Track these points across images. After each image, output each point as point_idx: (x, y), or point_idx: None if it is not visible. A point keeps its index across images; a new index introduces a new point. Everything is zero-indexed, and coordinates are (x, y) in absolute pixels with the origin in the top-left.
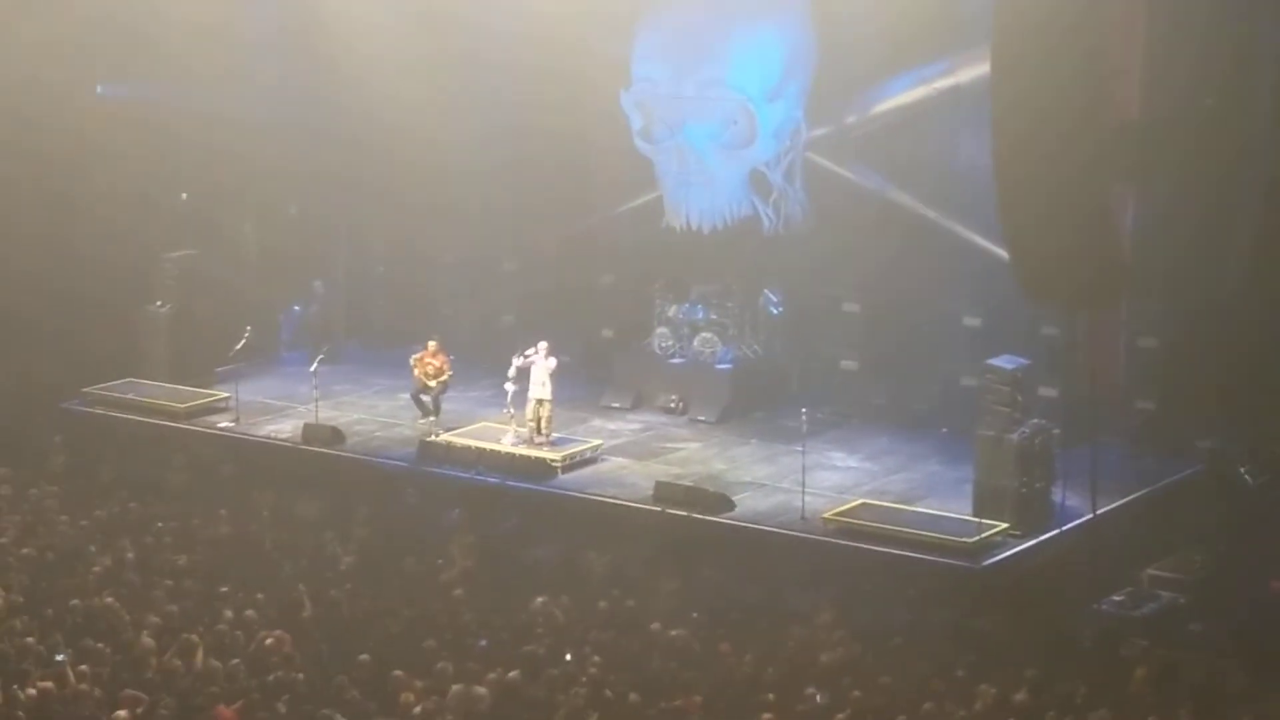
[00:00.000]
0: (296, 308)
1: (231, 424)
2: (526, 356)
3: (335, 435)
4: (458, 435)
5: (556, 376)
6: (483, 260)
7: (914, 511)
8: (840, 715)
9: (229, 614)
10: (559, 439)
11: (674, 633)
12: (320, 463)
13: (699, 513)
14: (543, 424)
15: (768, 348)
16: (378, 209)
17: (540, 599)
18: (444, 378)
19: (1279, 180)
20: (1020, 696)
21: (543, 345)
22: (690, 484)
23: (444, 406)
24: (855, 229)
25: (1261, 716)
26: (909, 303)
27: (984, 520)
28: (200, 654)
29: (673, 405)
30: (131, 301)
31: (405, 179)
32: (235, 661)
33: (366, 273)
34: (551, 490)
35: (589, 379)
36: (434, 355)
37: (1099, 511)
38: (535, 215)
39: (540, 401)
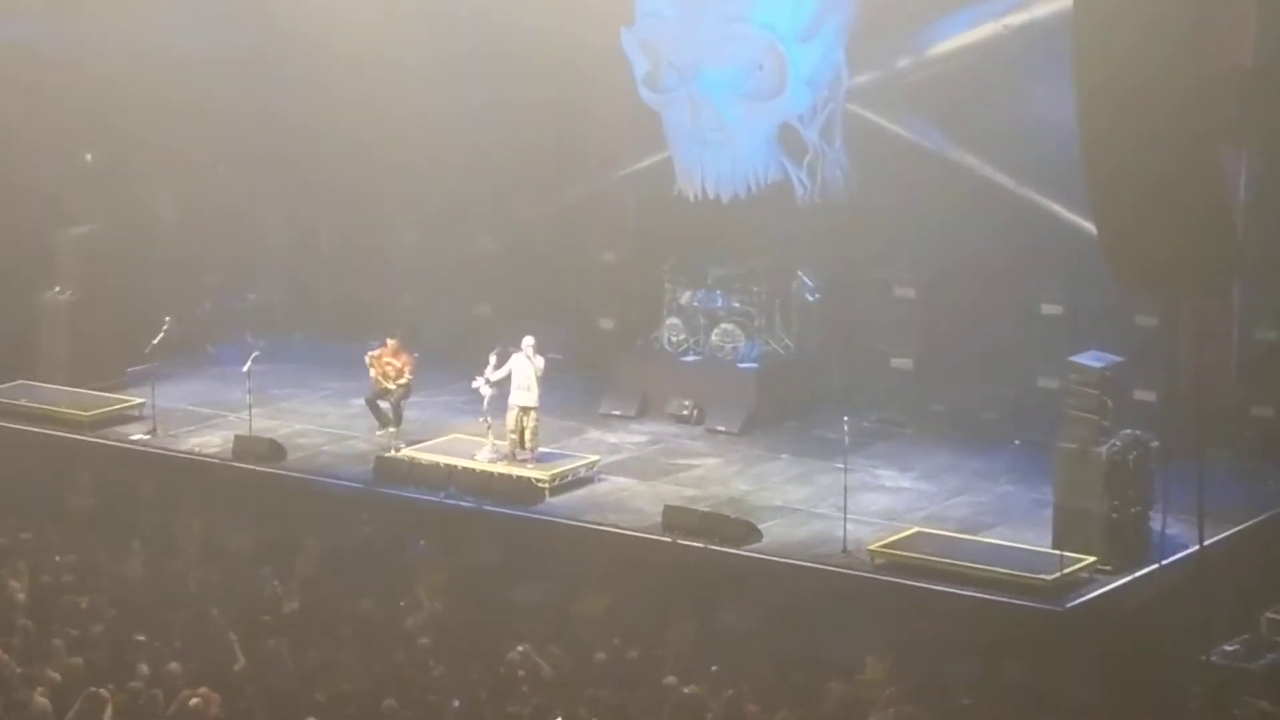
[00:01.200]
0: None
1: (147, 436)
2: (488, 376)
3: (274, 450)
4: (423, 450)
5: (545, 379)
6: (455, 236)
7: (981, 542)
8: None
9: (144, 668)
10: (547, 454)
11: (688, 690)
12: (256, 484)
13: (718, 544)
14: (527, 436)
15: (802, 342)
16: (328, 172)
17: (524, 648)
18: (406, 380)
19: None
20: None
21: (528, 341)
22: (707, 509)
23: (407, 415)
24: (909, 197)
25: None
26: (975, 287)
27: (1066, 553)
28: (109, 716)
29: (686, 413)
30: (24, 288)
31: (361, 133)
32: None
33: (314, 249)
34: (538, 516)
35: (584, 381)
36: (395, 353)
37: (1207, 542)
38: (518, 181)
39: (524, 409)
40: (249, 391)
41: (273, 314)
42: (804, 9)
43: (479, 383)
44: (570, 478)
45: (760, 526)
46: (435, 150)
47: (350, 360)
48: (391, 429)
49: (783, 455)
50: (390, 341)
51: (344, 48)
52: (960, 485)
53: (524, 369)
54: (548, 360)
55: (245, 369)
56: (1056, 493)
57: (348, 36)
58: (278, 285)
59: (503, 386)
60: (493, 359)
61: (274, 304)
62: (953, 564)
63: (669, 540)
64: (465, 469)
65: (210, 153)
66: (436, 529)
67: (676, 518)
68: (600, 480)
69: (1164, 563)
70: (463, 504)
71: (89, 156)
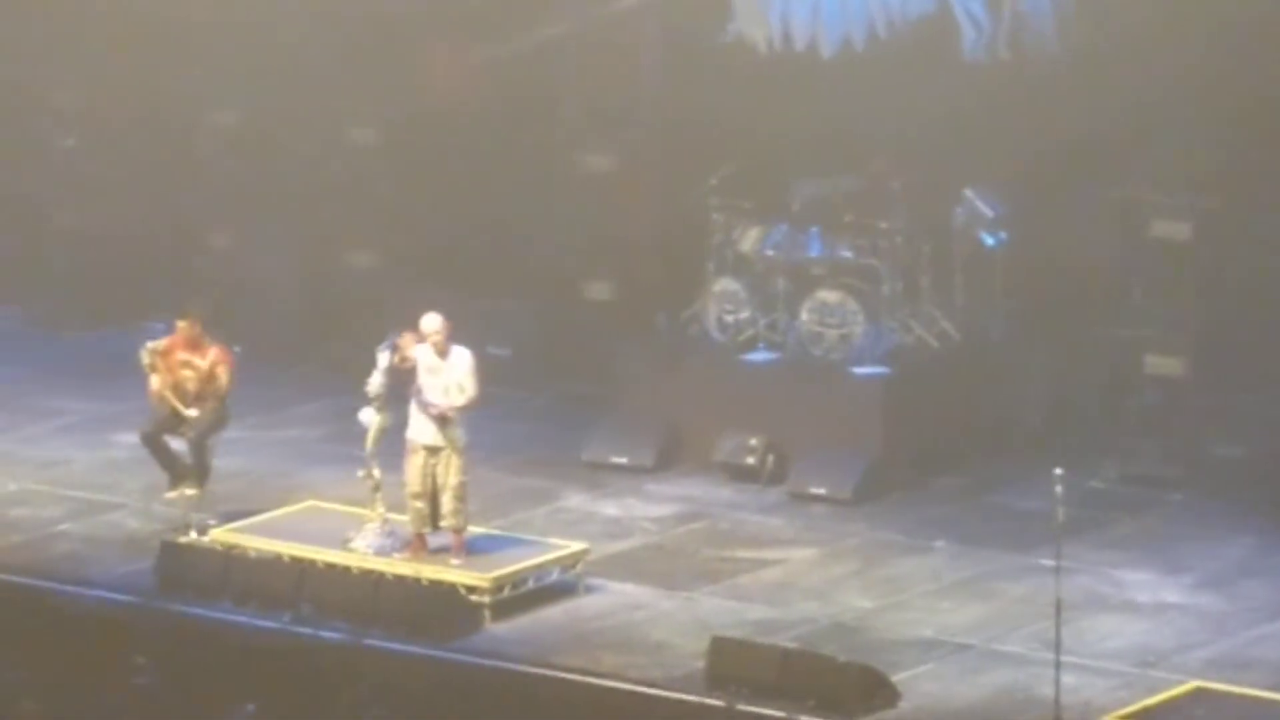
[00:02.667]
0: None
1: None
2: (397, 351)
3: None
4: (251, 531)
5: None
6: (311, 125)
7: None
8: None
9: None
10: (485, 540)
11: None
12: None
13: (813, 711)
14: (446, 504)
15: (973, 326)
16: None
17: None
18: (217, 397)
19: None
20: None
21: (432, 324)
22: (794, 644)
23: (220, 463)
24: (1180, 47)
25: None
26: None
27: None
28: None
29: (752, 461)
30: None
31: None
32: None
33: (42, 148)
34: (468, 660)
35: (556, 401)
36: (193, 345)
37: None
38: (427, 21)
39: (434, 452)
40: None
41: None
42: None
43: (380, 362)
44: (531, 584)
45: (894, 678)
46: None
47: (112, 359)
48: (190, 490)
49: (937, 542)
50: (182, 324)
51: None
52: (1276, 597)
53: (434, 377)
54: (485, 359)
55: None
56: None
57: None
58: None
59: (396, 406)
60: (383, 356)
61: None
62: None
63: (720, 704)
64: (330, 568)
65: None
66: (275, 682)
67: (735, 662)
68: (589, 590)
69: None
70: (325, 635)
71: None
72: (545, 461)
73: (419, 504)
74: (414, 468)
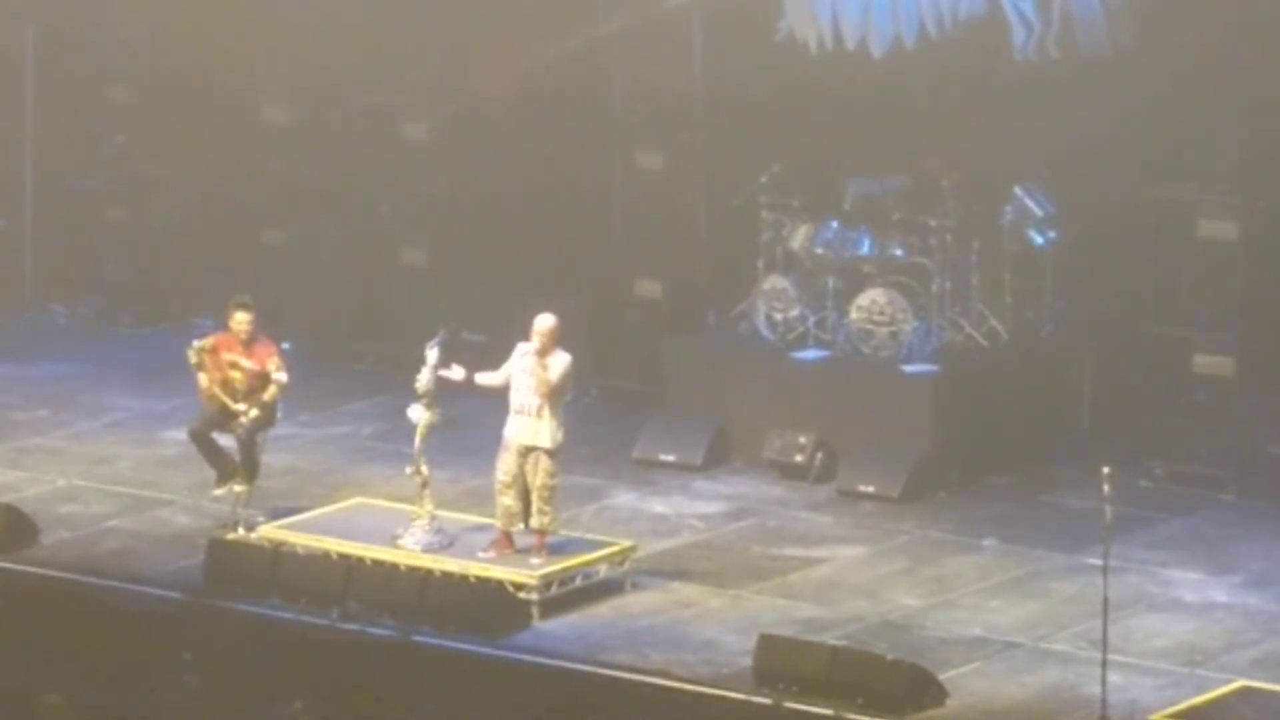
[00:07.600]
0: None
1: None
2: (442, 365)
3: (14, 526)
4: (298, 528)
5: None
6: (365, 122)
7: None
8: None
9: None
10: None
11: None
12: None
13: (863, 709)
14: (534, 502)
15: (1023, 325)
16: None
17: None
18: (270, 394)
19: None
20: None
21: (546, 324)
22: (842, 642)
23: (269, 460)
24: (1228, 56)
25: None
26: None
27: None
28: None
29: (801, 459)
30: None
31: None
32: None
33: (94, 145)
34: (516, 657)
35: (607, 397)
36: (245, 343)
37: None
38: (478, 19)
39: (527, 451)
40: None
41: (16, 266)
42: None
43: (429, 360)
44: (579, 582)
45: (942, 677)
46: None
47: (163, 357)
48: (239, 486)
49: (985, 541)
50: (239, 316)
51: None
52: None
53: (529, 378)
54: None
55: None
56: None
57: None
58: (32, 208)
59: (440, 402)
60: (432, 353)
61: (20, 248)
62: None
63: (768, 702)
64: (378, 565)
65: None
66: (323, 679)
67: (783, 659)
68: (637, 587)
69: None
70: (372, 632)
71: None
72: (594, 459)
73: (507, 500)
74: (504, 464)
